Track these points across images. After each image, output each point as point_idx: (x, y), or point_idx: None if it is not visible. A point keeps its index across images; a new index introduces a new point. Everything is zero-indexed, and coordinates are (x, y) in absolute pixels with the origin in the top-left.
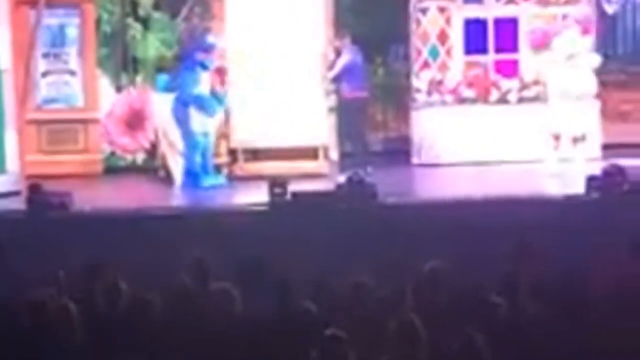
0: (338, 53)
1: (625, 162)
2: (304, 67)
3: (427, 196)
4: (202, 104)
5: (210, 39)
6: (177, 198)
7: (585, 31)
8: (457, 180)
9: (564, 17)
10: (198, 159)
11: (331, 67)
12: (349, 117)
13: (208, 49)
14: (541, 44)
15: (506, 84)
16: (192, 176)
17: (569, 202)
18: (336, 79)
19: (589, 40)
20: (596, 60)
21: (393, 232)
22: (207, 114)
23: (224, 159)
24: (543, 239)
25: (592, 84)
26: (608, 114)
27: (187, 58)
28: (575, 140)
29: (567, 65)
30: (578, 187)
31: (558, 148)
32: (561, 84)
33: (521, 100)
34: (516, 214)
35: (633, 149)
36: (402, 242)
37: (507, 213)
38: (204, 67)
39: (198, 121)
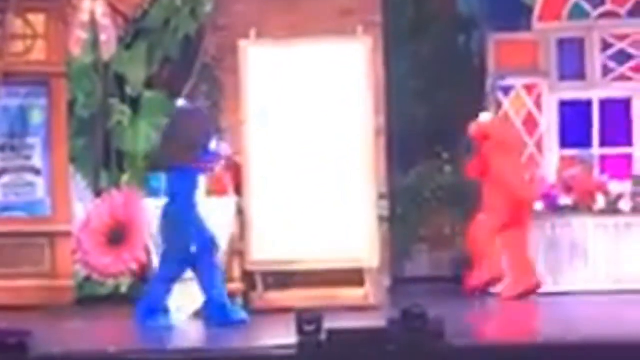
0: None
1: None
2: (346, 162)
3: (508, 337)
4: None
5: (214, 146)
6: (175, 339)
7: None
8: (548, 315)
9: None
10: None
11: None
12: None
13: (210, 159)
14: None
15: (616, 187)
16: (214, 309)
17: None
18: None
19: None
20: None
21: None
22: None
23: (237, 285)
24: None
25: None
26: None
27: None
28: None
29: None
30: None
31: None
32: None
33: (636, 209)
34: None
35: None
36: None
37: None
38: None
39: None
